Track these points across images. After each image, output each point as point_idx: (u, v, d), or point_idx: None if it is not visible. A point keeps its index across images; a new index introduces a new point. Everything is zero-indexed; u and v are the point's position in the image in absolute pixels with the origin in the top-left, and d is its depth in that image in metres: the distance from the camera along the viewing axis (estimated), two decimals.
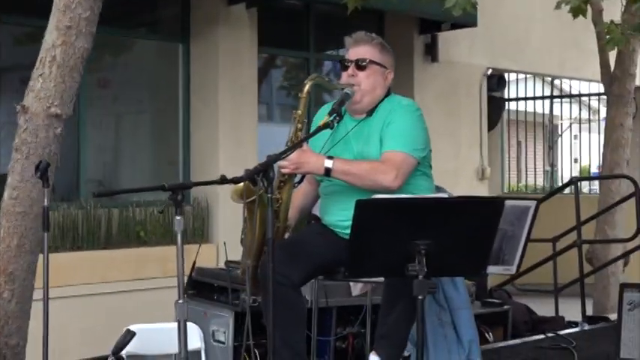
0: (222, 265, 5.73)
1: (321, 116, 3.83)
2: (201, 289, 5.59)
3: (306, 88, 3.79)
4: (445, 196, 3.44)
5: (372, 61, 3.88)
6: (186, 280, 5.35)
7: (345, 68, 3.90)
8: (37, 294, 4.21)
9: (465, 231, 3.04)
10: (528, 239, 3.41)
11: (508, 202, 3.21)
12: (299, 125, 3.75)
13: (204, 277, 5.62)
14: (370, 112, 3.88)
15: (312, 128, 3.82)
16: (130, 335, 3.59)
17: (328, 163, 3.67)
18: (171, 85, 7.97)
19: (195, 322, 4.04)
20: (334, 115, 3.67)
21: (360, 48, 3.91)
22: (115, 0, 5.39)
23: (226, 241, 5.79)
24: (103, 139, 7.88)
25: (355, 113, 3.91)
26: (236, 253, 4.49)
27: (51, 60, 4.25)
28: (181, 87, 7.90)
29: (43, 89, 4.26)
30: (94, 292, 6.74)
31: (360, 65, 3.87)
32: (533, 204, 3.39)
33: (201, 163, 7.77)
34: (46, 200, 3.95)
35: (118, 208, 7.15)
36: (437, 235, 2.99)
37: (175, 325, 3.23)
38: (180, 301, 3.19)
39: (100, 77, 7.87)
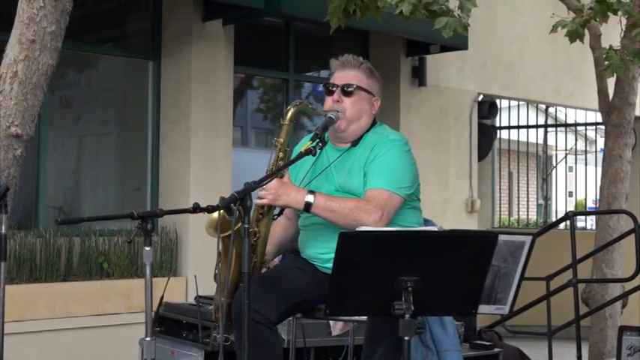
0: (191, 300, 5.69)
1: (304, 145, 3.83)
2: (168, 326, 5.56)
3: (289, 115, 3.80)
4: (434, 229, 3.44)
5: (359, 87, 3.90)
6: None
7: (330, 93, 3.92)
8: None
9: (455, 267, 3.05)
10: (523, 277, 3.42)
11: (502, 237, 3.22)
12: (280, 154, 3.76)
13: (172, 313, 5.59)
14: (355, 143, 3.90)
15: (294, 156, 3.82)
16: None
17: (309, 198, 3.67)
18: (140, 106, 7.96)
19: None
20: (316, 140, 3.67)
21: (346, 72, 3.93)
22: (79, 12, 5.39)
23: (197, 275, 5.74)
24: (64, 163, 7.84)
25: (339, 142, 3.93)
26: (207, 288, 4.48)
27: (12, 76, 4.25)
28: (151, 107, 7.88)
29: (2, 107, 4.25)
30: (53, 328, 6.67)
31: (346, 91, 3.89)
32: (528, 239, 3.40)
33: (170, 189, 7.75)
34: (3, 227, 3.93)
35: (79, 237, 7.10)
36: (425, 271, 3.00)
37: None
38: (148, 339, 3.17)
39: (63, 96, 7.84)
